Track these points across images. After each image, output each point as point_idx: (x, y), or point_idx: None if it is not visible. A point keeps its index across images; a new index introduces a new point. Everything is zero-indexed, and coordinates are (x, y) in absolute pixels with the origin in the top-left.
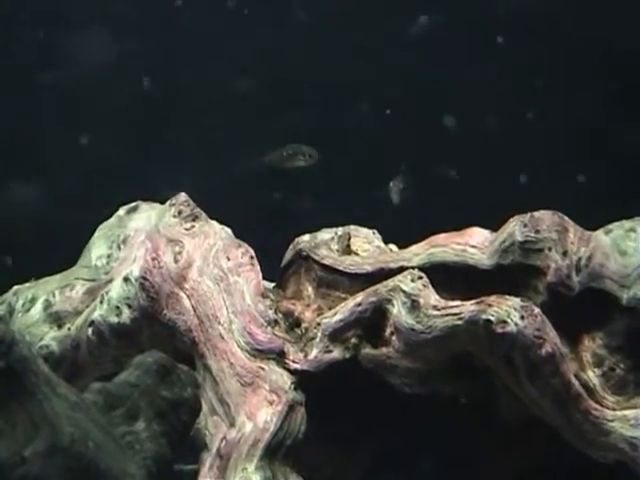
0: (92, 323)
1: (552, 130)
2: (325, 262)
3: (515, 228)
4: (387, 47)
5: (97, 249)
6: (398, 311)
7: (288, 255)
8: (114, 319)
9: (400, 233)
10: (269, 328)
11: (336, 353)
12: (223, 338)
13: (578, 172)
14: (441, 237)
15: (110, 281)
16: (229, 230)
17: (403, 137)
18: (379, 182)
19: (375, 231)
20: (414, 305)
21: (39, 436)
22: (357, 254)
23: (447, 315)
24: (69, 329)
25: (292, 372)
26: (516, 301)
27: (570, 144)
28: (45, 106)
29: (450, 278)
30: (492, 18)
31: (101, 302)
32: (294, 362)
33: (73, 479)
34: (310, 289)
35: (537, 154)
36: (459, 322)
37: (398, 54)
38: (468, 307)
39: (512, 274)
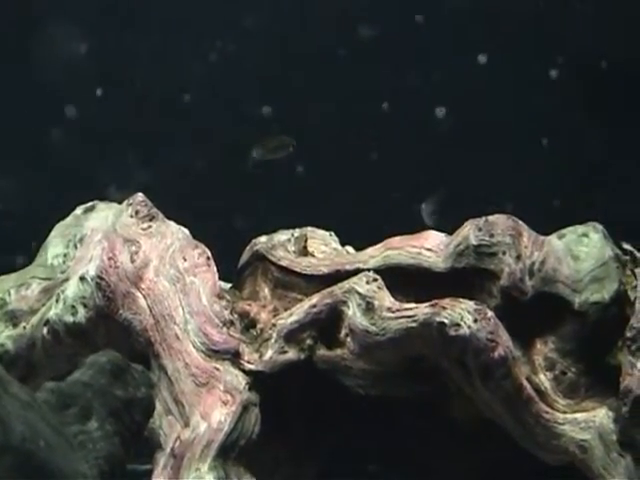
0: (47, 322)
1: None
2: (281, 263)
3: (470, 232)
4: None
5: (53, 248)
6: (353, 313)
7: (245, 256)
8: (69, 318)
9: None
10: (224, 329)
11: (291, 354)
12: (178, 338)
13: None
14: (397, 240)
15: (66, 280)
16: (186, 231)
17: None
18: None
19: (332, 233)
20: (369, 307)
21: None
22: (314, 255)
23: (401, 317)
24: (24, 328)
25: (247, 373)
26: (470, 304)
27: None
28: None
29: (405, 281)
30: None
31: (57, 301)
32: (249, 363)
33: (24, 478)
34: (266, 290)
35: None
36: (413, 324)
37: None
38: (422, 309)
39: (466, 277)
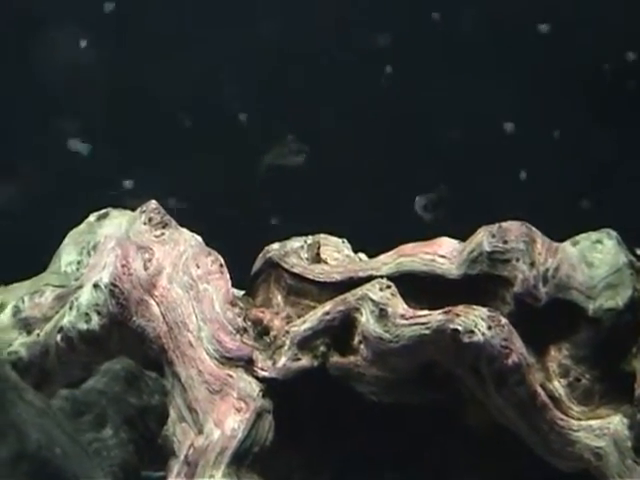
0: (61, 329)
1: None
2: (294, 270)
3: (483, 238)
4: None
5: (67, 255)
6: (366, 320)
7: (258, 263)
8: (83, 325)
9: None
10: (238, 336)
11: (304, 361)
12: (192, 345)
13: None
14: (410, 247)
15: (80, 287)
16: (199, 238)
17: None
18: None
19: (345, 240)
20: (382, 314)
21: (5, 442)
22: (327, 263)
23: (415, 324)
24: (38, 335)
25: (260, 380)
26: (483, 311)
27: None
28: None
29: (418, 287)
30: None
31: (70, 308)
32: (262, 370)
33: None
34: (279, 297)
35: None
36: (427, 331)
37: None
38: (436, 316)
39: (480, 284)
